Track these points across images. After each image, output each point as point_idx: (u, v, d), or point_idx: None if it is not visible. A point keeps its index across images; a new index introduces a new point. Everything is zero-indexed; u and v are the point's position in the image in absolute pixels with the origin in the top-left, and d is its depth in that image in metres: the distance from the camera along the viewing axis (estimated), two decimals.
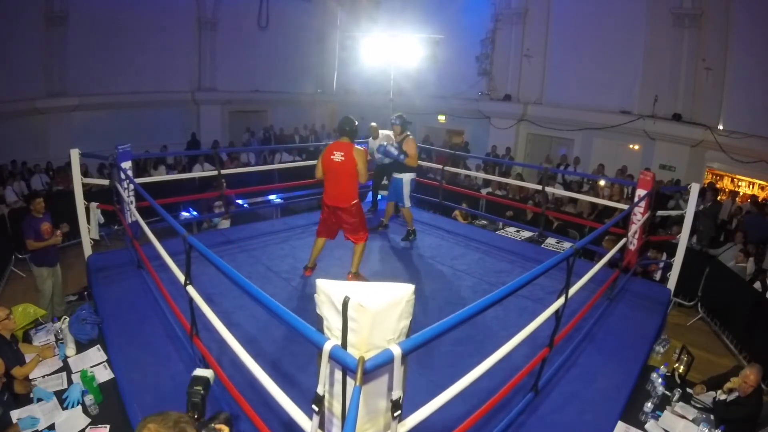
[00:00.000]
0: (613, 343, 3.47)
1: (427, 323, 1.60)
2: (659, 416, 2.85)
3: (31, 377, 2.98)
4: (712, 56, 8.96)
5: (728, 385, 3.14)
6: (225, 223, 6.52)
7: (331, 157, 3.82)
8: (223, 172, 5.65)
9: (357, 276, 4.16)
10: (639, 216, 4.42)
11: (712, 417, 2.97)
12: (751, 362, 4.42)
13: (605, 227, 3.71)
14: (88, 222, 4.43)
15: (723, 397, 3.12)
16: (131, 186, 4.38)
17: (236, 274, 2.02)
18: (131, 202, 4.39)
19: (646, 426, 2.77)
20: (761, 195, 8.60)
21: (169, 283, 3.28)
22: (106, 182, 4.75)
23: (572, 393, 2.87)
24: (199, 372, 2.12)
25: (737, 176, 9.13)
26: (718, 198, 8.26)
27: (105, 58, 11.54)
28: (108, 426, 2.54)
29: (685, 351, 3.60)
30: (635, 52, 9.94)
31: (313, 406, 1.51)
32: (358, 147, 3.88)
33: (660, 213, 5.06)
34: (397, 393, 1.46)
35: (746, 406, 3.00)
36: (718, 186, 9.05)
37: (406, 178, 5.03)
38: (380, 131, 5.79)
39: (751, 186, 8.96)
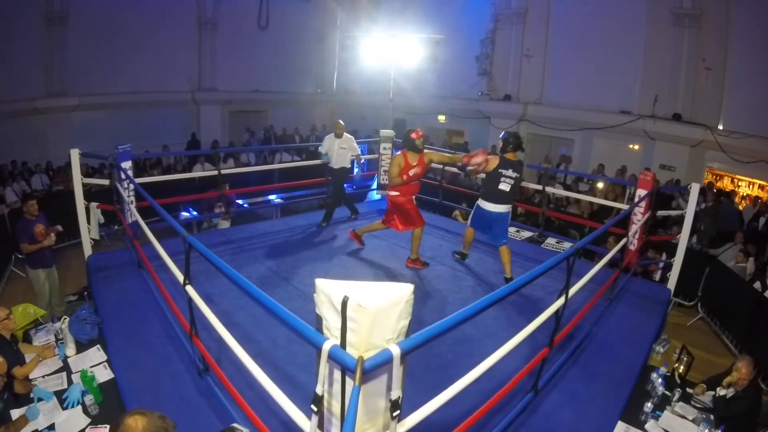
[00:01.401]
0: (613, 343, 3.47)
1: (427, 323, 1.60)
2: (659, 416, 2.85)
3: (31, 377, 2.98)
4: (712, 56, 8.96)
5: (727, 379, 3.15)
6: (225, 223, 6.52)
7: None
8: (224, 172, 5.65)
9: (414, 262, 4.60)
10: (639, 216, 4.42)
11: (712, 417, 2.97)
12: (742, 353, 4.44)
13: (605, 227, 3.71)
14: (88, 222, 4.44)
15: (723, 392, 3.12)
16: (131, 186, 4.38)
17: (236, 274, 2.02)
18: (131, 202, 4.40)
19: (646, 426, 2.77)
20: (763, 195, 8.59)
21: (169, 283, 3.28)
22: (106, 182, 4.76)
23: (572, 393, 2.87)
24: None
25: (737, 176, 9.13)
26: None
27: (105, 58, 11.54)
28: (108, 426, 2.53)
29: (685, 351, 3.60)
30: (635, 52, 9.93)
31: (312, 406, 1.51)
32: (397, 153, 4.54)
33: (660, 213, 5.05)
34: (396, 393, 1.46)
35: (745, 400, 3.00)
36: (717, 186, 9.07)
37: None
38: (345, 134, 5.64)
39: (751, 186, 8.95)
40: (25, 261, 4.87)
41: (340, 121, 5.76)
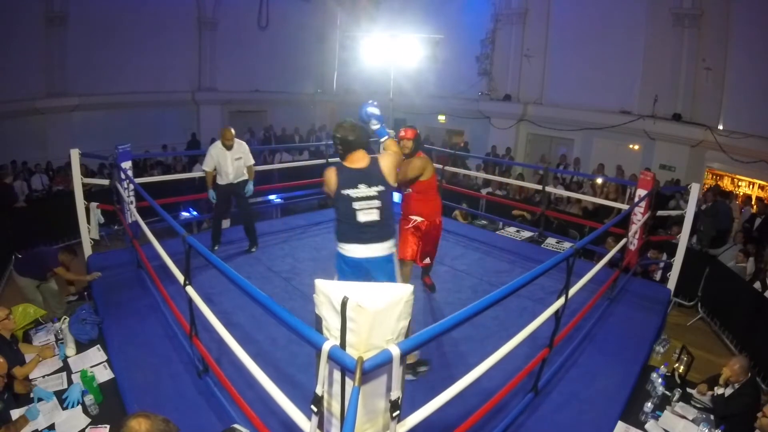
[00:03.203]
0: (613, 343, 3.47)
1: (427, 323, 1.60)
2: (659, 416, 2.85)
3: (31, 377, 2.98)
4: (712, 56, 8.95)
5: (722, 378, 3.16)
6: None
7: None
8: None
9: None
10: (639, 216, 4.42)
11: (712, 417, 2.97)
12: (742, 353, 4.46)
13: (605, 227, 3.71)
14: (88, 222, 4.44)
15: (720, 391, 3.12)
16: (131, 186, 4.38)
17: (235, 275, 2.02)
18: (131, 202, 4.40)
19: (646, 426, 2.77)
20: (763, 196, 8.58)
21: (168, 283, 3.29)
22: (106, 182, 4.76)
23: (572, 393, 2.87)
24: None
25: (737, 176, 9.13)
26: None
27: (105, 58, 11.53)
28: (108, 426, 2.54)
29: (685, 351, 3.60)
30: (635, 52, 9.93)
31: (312, 407, 1.51)
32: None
33: (660, 213, 5.05)
34: (396, 393, 1.46)
35: (745, 397, 3.00)
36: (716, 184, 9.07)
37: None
38: (236, 140, 4.63)
39: (751, 186, 8.95)
40: (15, 266, 4.69)
41: (231, 129, 4.63)
